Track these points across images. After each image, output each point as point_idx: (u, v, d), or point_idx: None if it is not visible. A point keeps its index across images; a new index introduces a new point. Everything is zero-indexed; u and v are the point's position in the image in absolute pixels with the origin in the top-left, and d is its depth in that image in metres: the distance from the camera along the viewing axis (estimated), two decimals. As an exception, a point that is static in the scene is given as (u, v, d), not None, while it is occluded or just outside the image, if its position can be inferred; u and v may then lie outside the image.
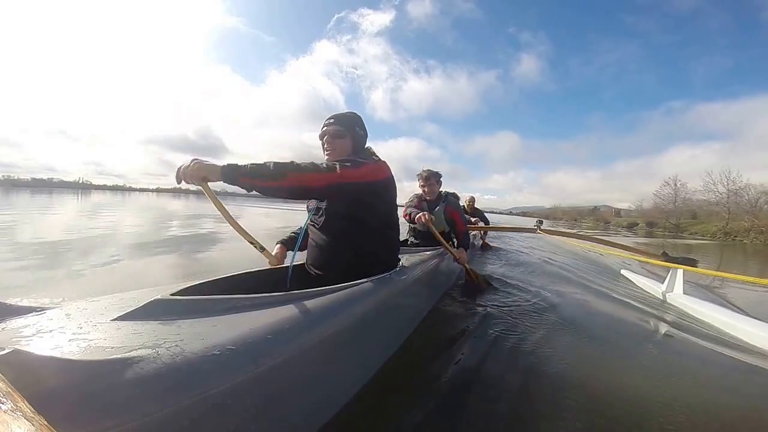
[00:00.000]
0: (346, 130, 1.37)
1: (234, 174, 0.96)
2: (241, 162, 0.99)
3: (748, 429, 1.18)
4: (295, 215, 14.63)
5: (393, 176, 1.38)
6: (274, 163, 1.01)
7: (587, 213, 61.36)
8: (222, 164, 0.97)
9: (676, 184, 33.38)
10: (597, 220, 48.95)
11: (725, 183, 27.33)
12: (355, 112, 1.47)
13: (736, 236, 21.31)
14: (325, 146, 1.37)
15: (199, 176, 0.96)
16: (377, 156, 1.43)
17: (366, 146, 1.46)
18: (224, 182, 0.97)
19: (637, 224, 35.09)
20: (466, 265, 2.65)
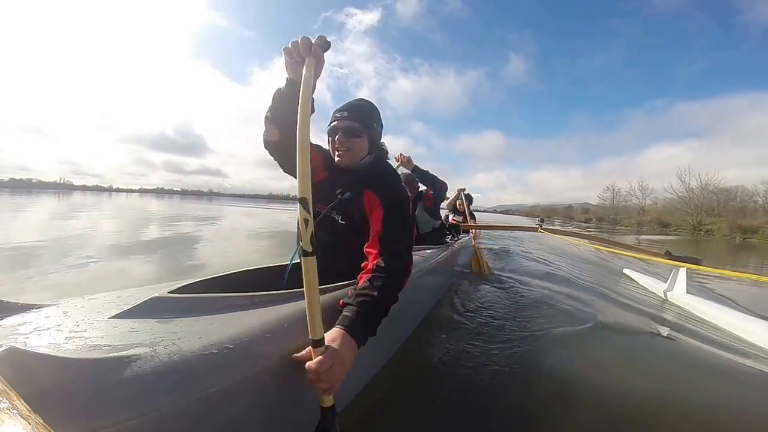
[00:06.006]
0: (363, 127, 1.10)
1: (366, 336, 0.81)
2: (358, 324, 0.79)
3: (750, 429, 1.18)
4: (277, 215, 14.61)
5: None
6: (380, 300, 0.86)
7: (561, 211, 72.25)
8: (354, 339, 0.76)
9: (614, 190, 48.42)
10: (565, 217, 61.61)
11: (641, 189, 44.04)
12: (369, 100, 1.16)
13: (643, 226, 30.96)
14: (336, 145, 1.09)
15: (347, 367, 0.74)
16: (390, 159, 1.25)
17: (380, 141, 1.22)
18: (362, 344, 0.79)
19: (591, 219, 47.64)
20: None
